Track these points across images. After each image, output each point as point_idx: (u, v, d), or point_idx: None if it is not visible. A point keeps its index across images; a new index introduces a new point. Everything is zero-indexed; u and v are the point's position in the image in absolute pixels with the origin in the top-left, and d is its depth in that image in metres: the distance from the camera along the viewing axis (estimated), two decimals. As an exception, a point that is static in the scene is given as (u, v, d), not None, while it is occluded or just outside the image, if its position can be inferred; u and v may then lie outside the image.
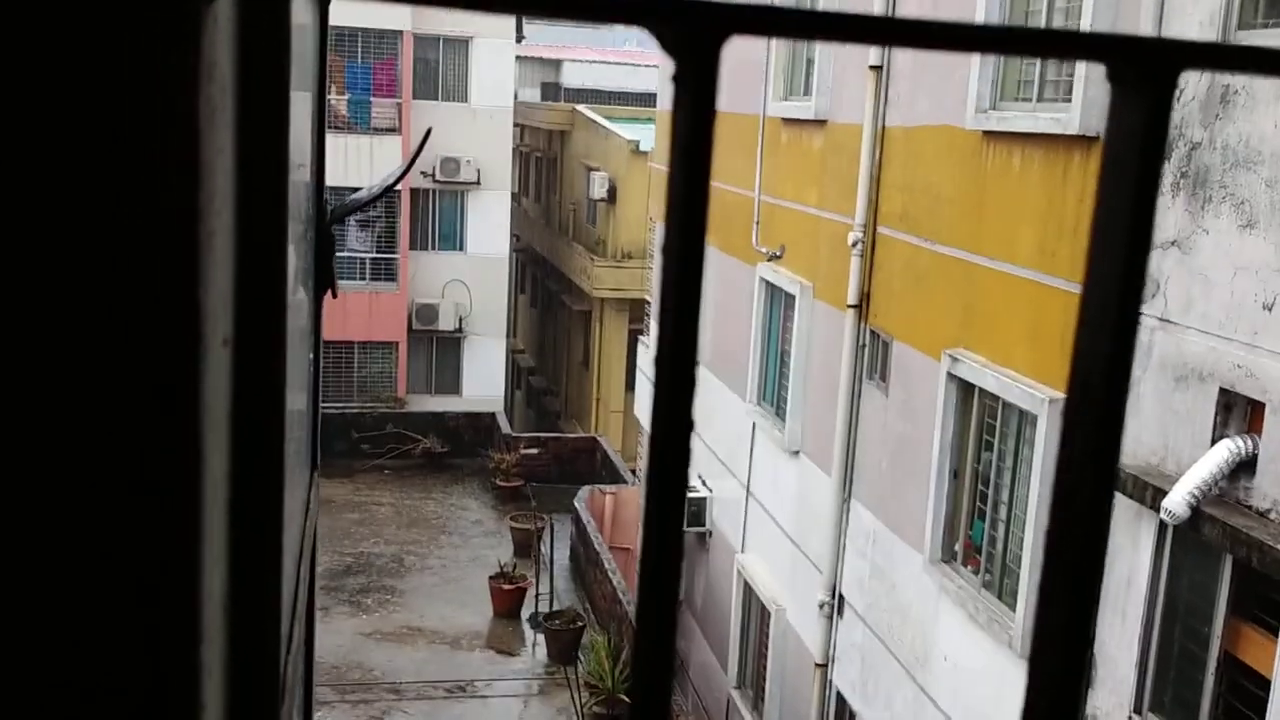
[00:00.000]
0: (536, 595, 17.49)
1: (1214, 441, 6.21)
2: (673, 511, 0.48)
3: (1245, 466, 6.05)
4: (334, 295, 2.22)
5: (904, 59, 10.10)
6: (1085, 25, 7.48)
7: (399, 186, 24.03)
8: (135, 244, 0.57)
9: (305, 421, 1.93)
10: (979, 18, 8.69)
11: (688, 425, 0.48)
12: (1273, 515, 5.89)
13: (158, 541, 0.62)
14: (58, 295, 0.58)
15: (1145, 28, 6.89)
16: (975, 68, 8.70)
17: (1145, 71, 0.44)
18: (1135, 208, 0.44)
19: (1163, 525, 6.54)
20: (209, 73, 0.59)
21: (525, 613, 17.60)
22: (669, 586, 0.47)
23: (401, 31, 25.36)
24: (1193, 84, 6.50)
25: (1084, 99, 7.44)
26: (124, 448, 0.60)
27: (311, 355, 2.04)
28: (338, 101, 24.74)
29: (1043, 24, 8.29)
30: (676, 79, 0.45)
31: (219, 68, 0.62)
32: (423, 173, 25.83)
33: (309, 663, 2.24)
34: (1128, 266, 0.46)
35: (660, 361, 0.48)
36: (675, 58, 0.45)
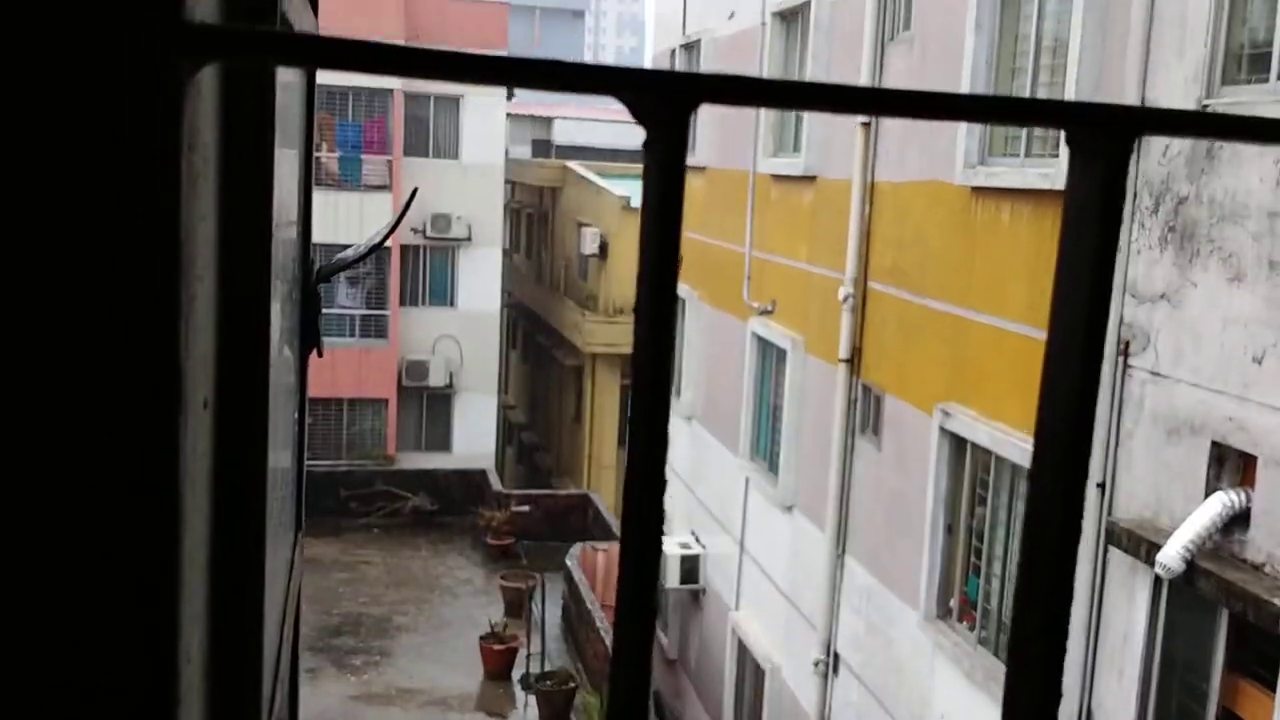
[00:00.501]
0: (528, 655, 17.30)
1: (1207, 495, 6.21)
2: (648, 566, 0.49)
3: (1239, 520, 6.04)
4: (319, 355, 2.22)
5: (891, 116, 10.20)
6: (1070, 83, 7.58)
7: (389, 243, 24.11)
8: (114, 308, 0.58)
9: (289, 481, 1.92)
10: (965, 77, 8.81)
11: (661, 482, 0.49)
12: (1267, 569, 5.87)
13: (134, 606, 0.62)
14: (37, 359, 0.58)
15: (1130, 85, 6.98)
16: (963, 124, 8.79)
17: (1101, 137, 0.45)
18: (1094, 272, 0.45)
19: (1158, 580, 6.51)
20: (190, 141, 0.60)
21: (516, 674, 17.39)
22: (644, 635, 0.48)
23: (392, 90, 25.60)
24: (1177, 139, 6.58)
25: (1069, 155, 7.51)
26: (101, 508, 0.61)
27: (296, 414, 2.04)
28: (328, 159, 24.87)
29: (1028, 83, 8.39)
30: (647, 146, 0.47)
31: (201, 136, 0.63)
32: (413, 229, 25.94)
33: (295, 725, 2.21)
34: (1089, 321, 0.47)
35: (635, 420, 0.48)
36: (645, 126, 0.46)
